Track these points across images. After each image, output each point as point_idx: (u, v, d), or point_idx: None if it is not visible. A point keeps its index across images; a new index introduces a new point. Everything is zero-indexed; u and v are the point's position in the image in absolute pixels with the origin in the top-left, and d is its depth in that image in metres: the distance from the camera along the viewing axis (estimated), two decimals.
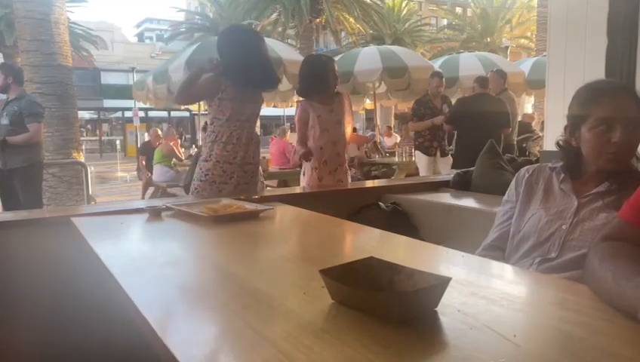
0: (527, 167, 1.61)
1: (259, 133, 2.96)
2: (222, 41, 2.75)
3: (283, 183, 6.08)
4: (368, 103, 10.27)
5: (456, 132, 5.36)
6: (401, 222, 2.42)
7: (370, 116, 22.38)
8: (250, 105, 2.73)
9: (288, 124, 18.35)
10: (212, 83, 2.64)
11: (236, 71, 2.63)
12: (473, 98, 5.31)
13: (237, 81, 2.64)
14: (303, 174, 3.25)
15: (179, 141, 9.89)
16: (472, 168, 2.73)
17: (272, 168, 6.89)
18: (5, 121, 4.11)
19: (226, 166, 2.67)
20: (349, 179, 3.39)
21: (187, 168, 5.27)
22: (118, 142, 23.81)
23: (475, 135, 4.71)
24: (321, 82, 3.13)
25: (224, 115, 2.66)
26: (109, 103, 29.24)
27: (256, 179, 2.81)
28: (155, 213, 1.91)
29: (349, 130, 3.30)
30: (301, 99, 3.31)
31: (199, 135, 11.32)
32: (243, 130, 2.69)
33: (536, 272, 1.34)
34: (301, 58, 7.63)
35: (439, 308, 0.89)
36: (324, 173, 3.15)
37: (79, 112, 7.45)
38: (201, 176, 2.68)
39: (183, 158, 8.34)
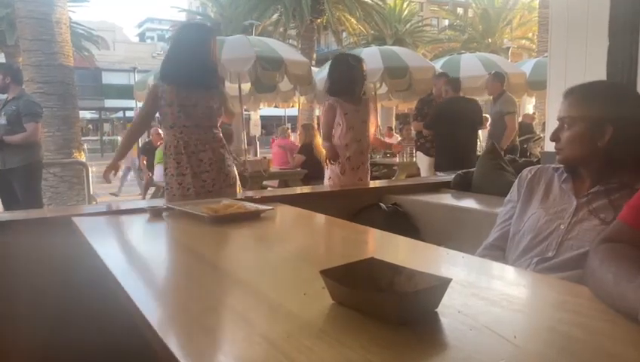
0: (529, 167, 1.61)
1: (260, 133, 2.95)
2: (173, 39, 2.75)
3: (284, 183, 6.08)
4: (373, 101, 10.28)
5: (436, 136, 5.39)
6: (401, 222, 2.42)
7: None
8: (197, 109, 2.55)
9: (289, 124, 18.36)
10: (147, 100, 2.58)
11: (170, 70, 2.55)
12: (448, 102, 5.33)
13: (169, 81, 2.54)
14: (326, 168, 3.32)
15: None
16: (472, 169, 2.74)
17: (273, 168, 6.89)
18: (3, 120, 4.12)
19: (180, 178, 2.55)
20: (369, 179, 3.44)
21: None
22: (119, 141, 23.82)
23: (453, 137, 4.81)
24: (350, 83, 3.20)
25: (167, 122, 2.55)
26: (110, 103, 29.28)
27: (224, 188, 2.62)
28: (156, 213, 1.91)
29: (372, 130, 3.39)
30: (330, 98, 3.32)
31: None
32: (191, 136, 2.54)
33: (534, 272, 1.34)
34: (302, 58, 7.68)
35: (439, 309, 0.89)
36: (347, 168, 3.22)
37: (80, 112, 7.46)
38: (166, 190, 2.63)
39: None
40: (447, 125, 5.03)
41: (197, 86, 2.55)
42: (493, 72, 6.19)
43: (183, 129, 2.54)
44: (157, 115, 2.64)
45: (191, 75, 2.52)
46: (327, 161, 3.30)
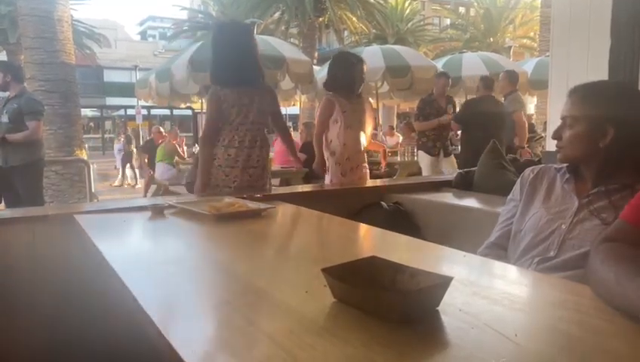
0: (532, 167, 1.61)
1: None
2: (214, 41, 2.77)
3: (285, 182, 6.08)
4: (371, 102, 10.25)
5: (461, 132, 5.37)
6: (403, 221, 2.42)
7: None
8: (254, 108, 2.68)
9: (291, 123, 18.35)
10: (212, 106, 2.64)
11: (225, 72, 2.63)
12: (480, 100, 5.31)
13: (227, 83, 2.63)
14: (327, 170, 3.30)
15: (184, 139, 9.95)
16: (474, 168, 2.73)
17: (275, 167, 6.89)
18: (5, 118, 4.11)
19: (227, 170, 2.65)
20: (368, 178, 3.43)
21: (189, 166, 5.27)
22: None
23: (482, 136, 4.75)
24: (350, 81, 3.19)
25: (227, 119, 2.65)
26: (111, 101, 29.26)
27: (263, 182, 2.76)
28: (157, 211, 1.91)
29: (369, 131, 3.37)
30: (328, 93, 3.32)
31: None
32: (246, 133, 2.66)
33: (535, 272, 1.34)
34: (304, 57, 7.68)
35: (441, 308, 0.89)
36: (347, 168, 3.20)
37: (82, 110, 7.47)
38: (216, 179, 2.68)
39: (186, 157, 8.35)
40: (475, 122, 4.99)
41: (250, 85, 2.69)
42: (507, 69, 6.12)
43: (239, 126, 2.66)
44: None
45: (242, 75, 2.65)
46: (322, 170, 3.29)
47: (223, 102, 2.62)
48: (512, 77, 5.74)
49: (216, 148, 2.67)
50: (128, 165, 12.06)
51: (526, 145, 5.57)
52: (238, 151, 2.65)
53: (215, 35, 2.84)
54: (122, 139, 12.76)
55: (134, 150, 12.33)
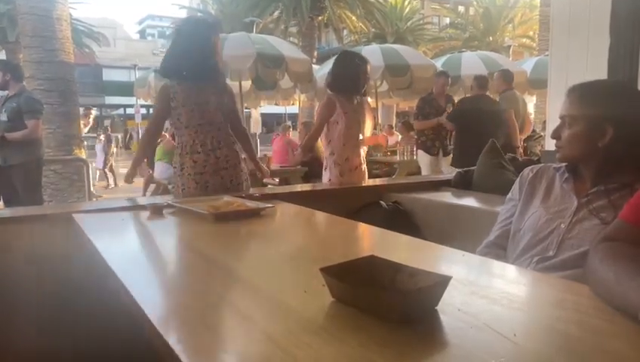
0: (531, 166, 1.61)
1: (261, 130, 2.93)
2: (176, 34, 2.69)
3: (284, 181, 6.08)
4: (370, 102, 10.25)
5: (455, 131, 5.37)
6: (402, 220, 2.42)
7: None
8: (209, 106, 2.55)
9: (290, 121, 18.35)
10: (159, 102, 2.58)
11: (170, 66, 2.55)
12: (473, 98, 5.31)
13: (170, 77, 2.54)
14: (325, 169, 3.29)
15: None
16: (473, 167, 2.73)
17: (274, 166, 6.89)
18: (4, 117, 4.11)
19: (197, 177, 2.56)
20: (367, 178, 3.43)
21: None
22: (119, 138, 23.82)
23: (475, 135, 4.75)
24: (353, 81, 3.17)
25: (181, 122, 2.55)
26: (110, 100, 29.26)
27: (238, 182, 2.65)
28: (156, 210, 1.91)
29: (369, 131, 3.36)
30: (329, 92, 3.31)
31: None
32: (207, 135, 2.55)
33: (534, 271, 1.34)
34: (303, 56, 7.67)
35: (440, 307, 0.89)
36: (345, 169, 3.19)
37: (81, 109, 7.46)
38: (179, 189, 2.62)
39: None
40: (468, 121, 4.98)
41: (205, 83, 2.56)
42: (501, 68, 6.13)
43: (197, 128, 2.55)
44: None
45: (192, 71, 2.51)
46: (325, 164, 3.28)
47: (172, 100, 2.52)
48: (507, 76, 5.76)
49: (181, 156, 2.59)
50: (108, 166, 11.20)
51: (521, 145, 5.55)
52: (204, 155, 2.55)
53: (177, 28, 2.75)
54: (103, 139, 11.73)
55: (114, 150, 11.49)
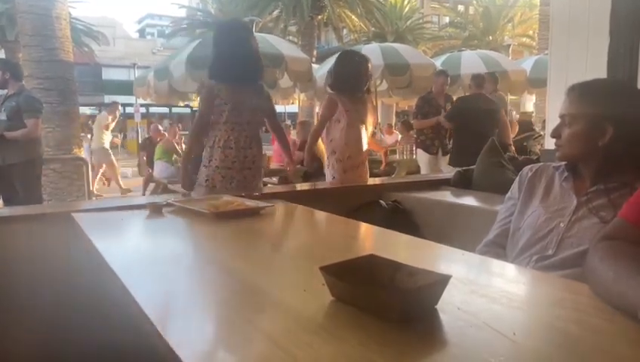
0: (530, 165, 1.61)
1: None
2: (214, 39, 2.78)
3: (284, 180, 6.08)
4: (372, 100, 10.25)
5: (452, 130, 5.37)
6: (401, 220, 2.42)
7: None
8: (248, 107, 2.67)
9: (290, 121, 18.34)
10: (205, 101, 2.66)
11: (220, 69, 2.64)
12: (471, 97, 5.33)
13: (225, 78, 2.63)
14: (328, 168, 3.30)
15: (182, 137, 9.91)
16: (472, 166, 2.73)
17: (274, 165, 6.88)
18: (3, 116, 4.11)
19: (224, 171, 2.64)
20: (368, 177, 3.44)
21: None
22: (119, 137, 23.79)
23: (472, 133, 4.76)
24: (354, 80, 3.19)
25: (221, 118, 2.63)
26: (110, 99, 29.18)
27: (256, 182, 2.74)
28: (156, 209, 1.91)
29: (370, 130, 3.39)
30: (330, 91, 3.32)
31: None
32: (241, 133, 2.65)
33: (534, 270, 1.34)
34: (303, 55, 7.66)
35: (439, 306, 0.89)
36: (348, 166, 3.21)
37: (80, 108, 7.46)
38: (202, 181, 2.67)
39: None
40: (466, 120, 5.00)
41: (247, 84, 2.69)
42: (485, 72, 6.22)
43: (234, 125, 2.64)
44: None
45: (242, 72, 2.65)
46: (326, 162, 3.30)
47: (217, 97, 2.62)
48: (495, 78, 5.91)
49: (212, 149, 2.66)
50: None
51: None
52: (235, 151, 2.64)
53: (215, 33, 2.85)
54: (90, 137, 11.02)
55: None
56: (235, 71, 2.64)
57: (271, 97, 2.91)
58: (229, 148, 2.64)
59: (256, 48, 2.77)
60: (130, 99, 21.00)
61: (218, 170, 2.65)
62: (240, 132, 2.65)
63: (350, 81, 3.18)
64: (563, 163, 1.49)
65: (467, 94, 5.40)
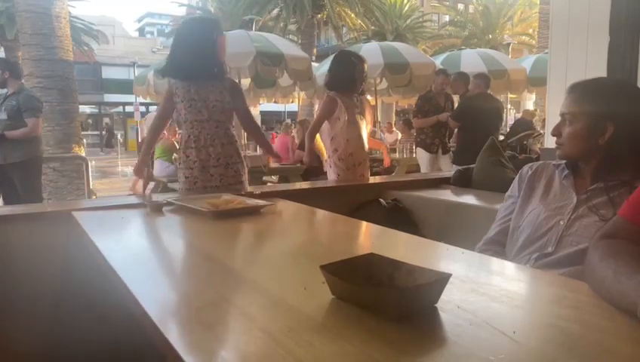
0: (530, 163, 1.62)
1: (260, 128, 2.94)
2: (177, 33, 2.73)
3: (284, 179, 6.08)
4: (369, 99, 10.23)
5: (457, 129, 5.36)
6: (401, 218, 2.42)
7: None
8: (207, 104, 2.55)
9: (289, 119, 18.34)
10: (164, 97, 2.64)
11: (171, 64, 2.59)
12: (479, 96, 5.31)
13: (177, 75, 2.58)
14: (330, 167, 3.31)
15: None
16: (472, 165, 2.73)
17: (273, 164, 6.89)
18: (3, 115, 4.11)
19: (187, 171, 2.58)
20: (369, 175, 3.45)
21: None
22: (119, 136, 23.79)
23: (477, 133, 4.74)
24: (351, 79, 3.20)
25: (180, 116, 2.59)
26: (109, 98, 29.19)
27: (229, 182, 2.60)
28: (156, 208, 1.91)
29: (369, 128, 3.39)
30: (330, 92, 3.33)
31: None
32: (201, 131, 2.56)
33: (533, 268, 1.34)
34: (302, 54, 7.66)
35: (439, 305, 0.89)
36: (350, 164, 3.22)
37: (80, 107, 7.46)
38: (180, 185, 2.68)
39: None
40: (472, 119, 5.00)
41: (204, 81, 2.58)
42: (477, 72, 6.20)
43: (194, 123, 2.57)
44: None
45: (192, 68, 2.53)
46: (328, 160, 3.31)
47: (175, 95, 2.56)
48: (485, 79, 5.88)
49: (179, 151, 2.64)
50: None
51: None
52: (195, 151, 2.56)
53: (178, 29, 2.79)
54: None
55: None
56: (186, 68, 2.54)
57: (242, 94, 2.80)
58: (190, 147, 2.57)
59: (222, 45, 2.66)
60: (130, 98, 21.02)
61: (181, 170, 2.61)
62: (200, 130, 2.56)
63: (346, 81, 3.20)
64: (563, 161, 1.49)
65: (474, 93, 5.36)
